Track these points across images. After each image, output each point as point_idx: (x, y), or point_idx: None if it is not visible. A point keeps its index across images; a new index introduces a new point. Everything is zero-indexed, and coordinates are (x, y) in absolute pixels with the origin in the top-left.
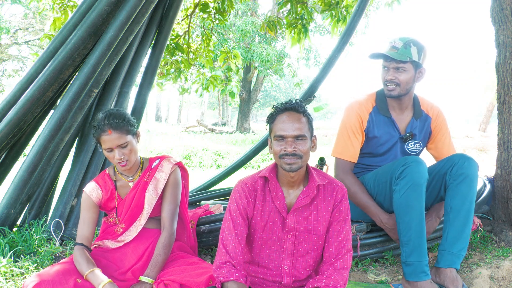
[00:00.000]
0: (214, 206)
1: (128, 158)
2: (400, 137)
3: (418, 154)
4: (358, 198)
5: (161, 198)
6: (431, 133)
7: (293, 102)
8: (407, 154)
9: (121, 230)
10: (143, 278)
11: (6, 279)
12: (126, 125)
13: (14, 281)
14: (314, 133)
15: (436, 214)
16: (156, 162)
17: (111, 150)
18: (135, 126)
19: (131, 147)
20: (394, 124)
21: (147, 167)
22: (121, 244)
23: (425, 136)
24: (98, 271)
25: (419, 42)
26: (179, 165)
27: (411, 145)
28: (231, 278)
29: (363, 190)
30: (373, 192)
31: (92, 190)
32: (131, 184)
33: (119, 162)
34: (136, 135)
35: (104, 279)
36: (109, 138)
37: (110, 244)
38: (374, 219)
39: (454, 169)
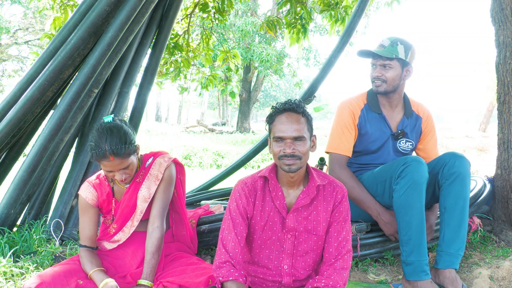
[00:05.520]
0: (215, 206)
1: (129, 174)
2: (392, 134)
3: (410, 153)
4: (355, 193)
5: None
6: (422, 133)
7: (292, 102)
8: (399, 153)
9: (114, 231)
10: (141, 282)
11: (6, 279)
12: (128, 148)
13: (14, 281)
14: (314, 133)
15: (428, 226)
16: (150, 160)
17: (111, 171)
18: (134, 141)
19: (133, 165)
20: (386, 121)
21: (141, 167)
22: (116, 245)
23: (416, 135)
24: (102, 271)
25: (406, 41)
26: (174, 161)
27: (403, 143)
28: (231, 278)
29: (360, 185)
30: (371, 192)
31: (87, 192)
32: (127, 185)
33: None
34: (136, 151)
35: (107, 278)
36: (111, 164)
37: (107, 245)
38: (370, 212)
39: (445, 168)
